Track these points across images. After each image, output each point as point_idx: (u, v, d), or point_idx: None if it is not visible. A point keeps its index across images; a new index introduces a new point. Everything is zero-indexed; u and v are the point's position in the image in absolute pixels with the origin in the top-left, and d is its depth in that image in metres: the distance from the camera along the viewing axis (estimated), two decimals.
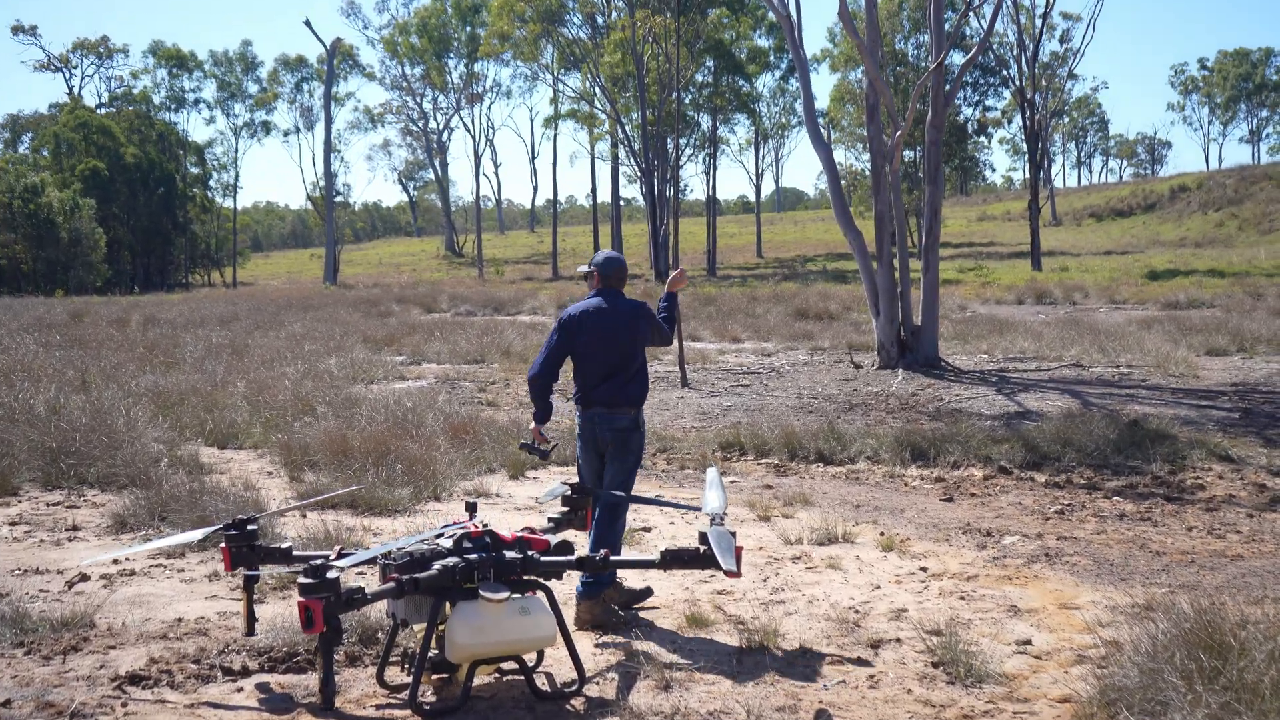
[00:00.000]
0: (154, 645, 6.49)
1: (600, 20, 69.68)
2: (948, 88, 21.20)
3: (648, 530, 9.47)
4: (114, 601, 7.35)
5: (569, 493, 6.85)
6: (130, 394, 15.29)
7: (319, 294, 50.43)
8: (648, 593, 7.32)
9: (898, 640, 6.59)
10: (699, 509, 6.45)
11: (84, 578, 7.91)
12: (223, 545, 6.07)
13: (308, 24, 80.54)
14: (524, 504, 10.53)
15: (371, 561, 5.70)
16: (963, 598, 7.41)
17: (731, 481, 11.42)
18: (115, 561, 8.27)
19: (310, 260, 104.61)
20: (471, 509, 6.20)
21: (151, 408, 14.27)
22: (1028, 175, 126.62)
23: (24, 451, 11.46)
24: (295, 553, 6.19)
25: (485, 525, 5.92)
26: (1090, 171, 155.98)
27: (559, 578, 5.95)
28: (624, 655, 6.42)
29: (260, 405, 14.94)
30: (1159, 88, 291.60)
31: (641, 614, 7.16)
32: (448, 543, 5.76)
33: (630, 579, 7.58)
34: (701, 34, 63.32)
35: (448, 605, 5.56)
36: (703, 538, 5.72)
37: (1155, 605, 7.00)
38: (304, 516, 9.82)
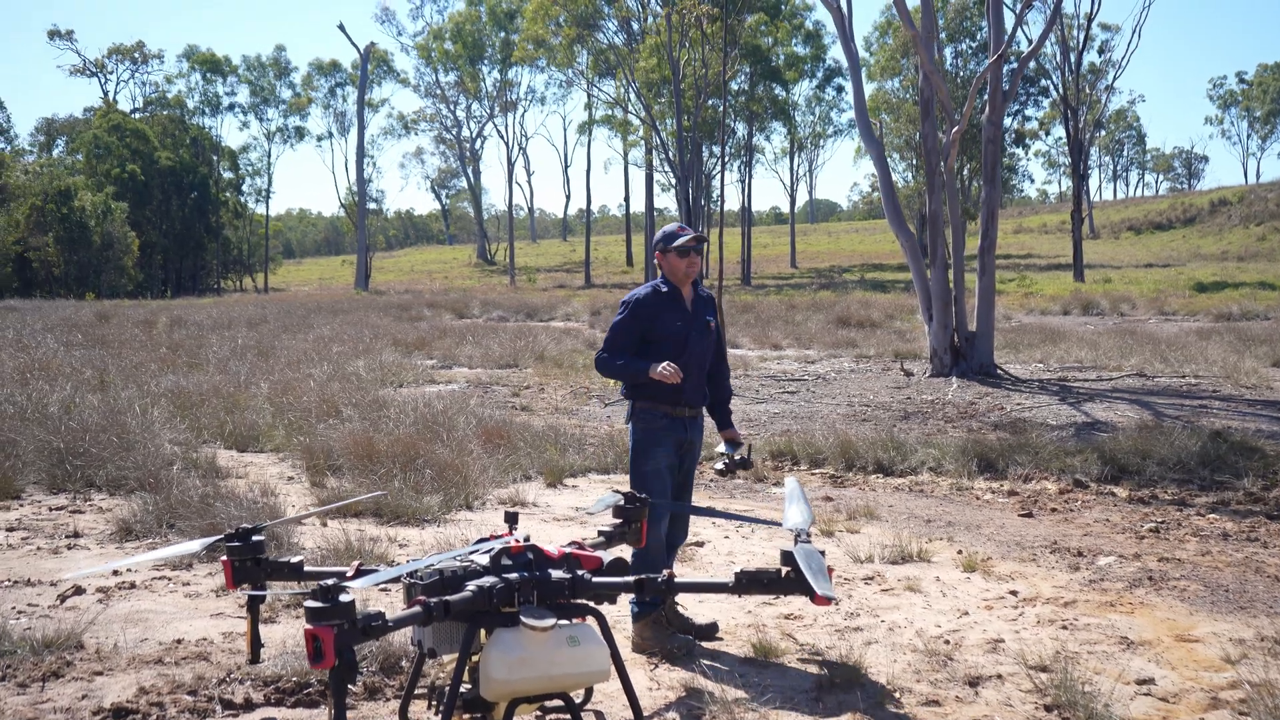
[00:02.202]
0: (146, 671, 5.68)
1: (636, 26, 68.88)
2: (1006, 85, 20.24)
3: (700, 545, 8.62)
4: (108, 619, 6.54)
5: (621, 502, 5.95)
6: (148, 394, 14.58)
7: (349, 299, 49.82)
8: (713, 628, 6.48)
9: (999, 677, 5.72)
10: (778, 524, 5.56)
11: (78, 590, 7.11)
12: (224, 559, 5.21)
13: (341, 28, 79.79)
14: (563, 514, 9.70)
15: (395, 581, 4.83)
16: (1065, 627, 6.53)
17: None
18: (115, 573, 7.48)
19: (342, 267, 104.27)
20: (511, 520, 5.29)
21: (170, 408, 13.57)
22: (1063, 188, 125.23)
23: (30, 452, 10.72)
24: (307, 568, 5.32)
25: (527, 540, 5.03)
26: (1127, 185, 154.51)
27: (612, 601, 5.07)
28: (685, 691, 5.59)
29: (283, 407, 14.19)
30: (1196, 101, 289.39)
31: (702, 641, 6.33)
32: (484, 559, 4.85)
33: (690, 605, 6.73)
34: (739, 39, 62.42)
35: (483, 633, 4.65)
36: (787, 558, 4.81)
37: None
38: (324, 525, 9.03)
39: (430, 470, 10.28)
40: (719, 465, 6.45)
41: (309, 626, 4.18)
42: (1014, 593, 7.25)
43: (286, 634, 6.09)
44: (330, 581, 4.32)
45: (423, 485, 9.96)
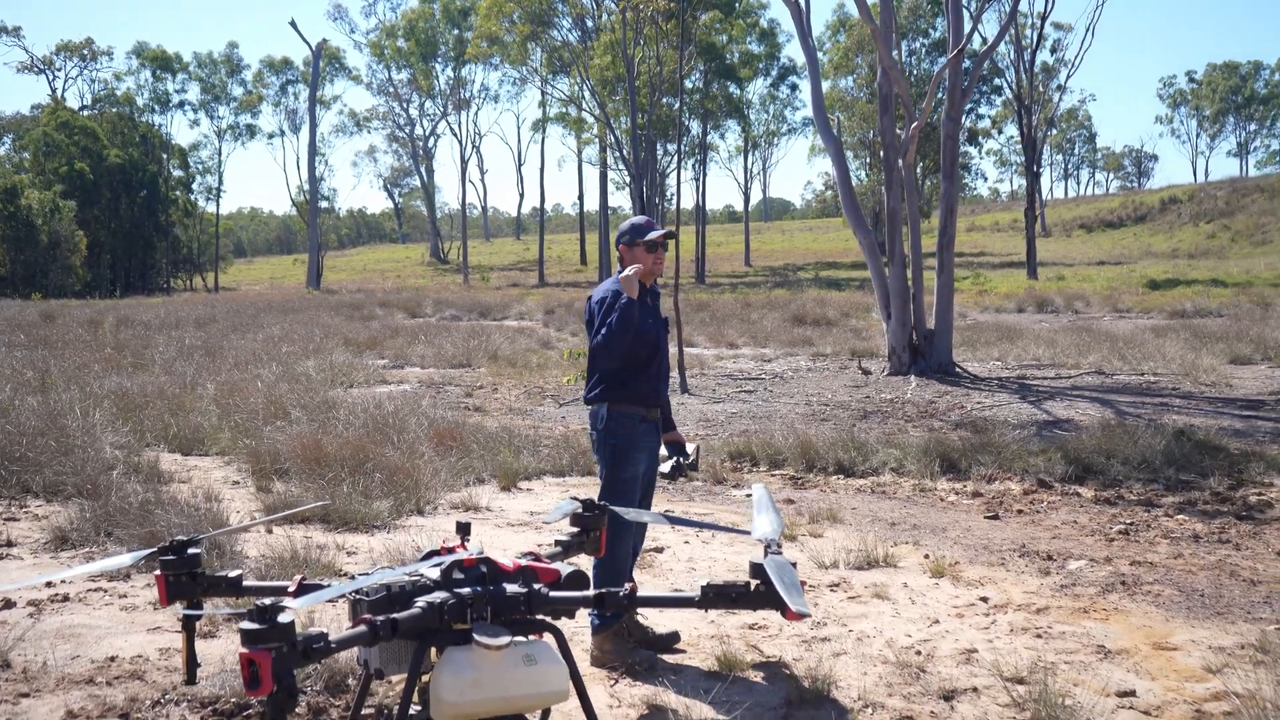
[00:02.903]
0: (76, 693, 5.36)
1: (590, 23, 68.55)
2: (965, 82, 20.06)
3: (660, 551, 8.35)
4: (38, 634, 6.20)
5: (579, 510, 5.65)
6: (91, 396, 14.16)
7: (301, 298, 49.20)
8: (674, 638, 6.22)
9: (974, 690, 5.49)
10: (746, 532, 5.29)
11: (8, 604, 6.76)
12: (157, 573, 4.89)
13: (293, 25, 78.96)
14: (518, 518, 9.41)
15: (340, 598, 4.53)
16: (1039, 635, 6.30)
17: (746, 495, 10.31)
18: (49, 585, 7.13)
19: (294, 265, 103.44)
20: (464, 530, 4.97)
21: (112, 410, 13.17)
22: (1014, 186, 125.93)
23: None
24: (247, 583, 5.00)
25: (480, 552, 4.73)
26: (1078, 184, 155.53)
27: (571, 616, 4.78)
28: (647, 708, 5.32)
29: (230, 409, 13.82)
30: (1146, 101, 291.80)
31: (663, 653, 6.07)
32: (434, 573, 4.55)
33: (651, 614, 6.45)
34: (694, 36, 62.20)
35: (433, 652, 4.36)
36: (756, 570, 4.52)
37: (1269, 645, 5.95)
38: (269, 532, 8.70)
39: (380, 474, 9.97)
40: (664, 469, 6.15)
41: (244, 650, 3.87)
42: (984, 599, 7.02)
43: (226, 650, 5.78)
44: (269, 600, 4.02)
45: (372, 490, 9.65)
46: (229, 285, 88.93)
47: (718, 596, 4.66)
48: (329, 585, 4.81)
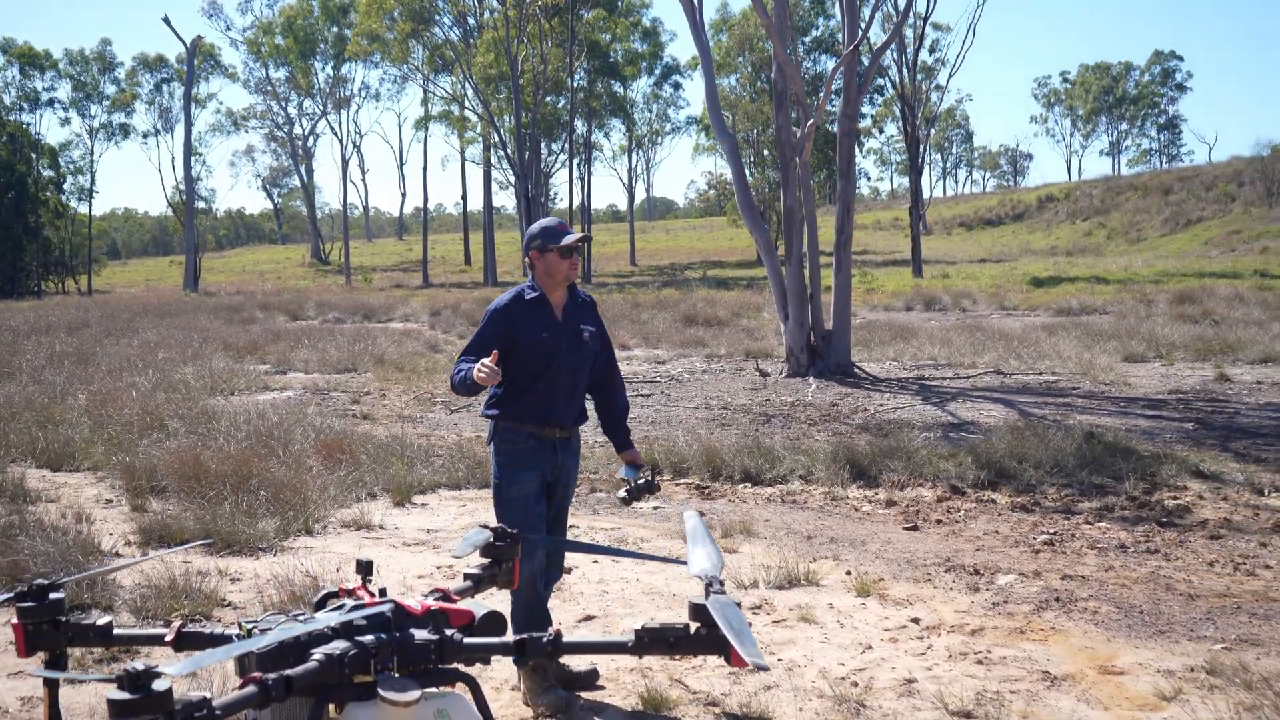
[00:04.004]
0: None
1: (472, 21, 67.75)
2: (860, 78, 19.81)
3: (568, 571, 7.85)
4: None
5: (491, 539, 5.13)
6: None
7: (178, 301, 47.86)
8: (593, 675, 5.74)
9: None
10: (680, 562, 4.80)
11: None
12: (14, 622, 4.27)
13: (166, 21, 76.58)
14: (414, 537, 8.87)
15: (226, 658, 3.96)
16: (980, 661, 5.92)
17: (655, 508, 9.85)
18: None
19: (170, 267, 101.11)
20: (365, 570, 4.41)
21: None
22: (894, 185, 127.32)
23: None
24: (118, 631, 4.41)
25: (383, 593, 4.18)
26: (956, 182, 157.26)
27: (486, 662, 4.26)
28: None
29: (103, 420, 13.07)
30: (1021, 101, 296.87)
31: (582, 692, 5.59)
32: (333, 619, 4.00)
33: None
34: (578, 34, 61.76)
35: (333, 708, 3.81)
36: (697, 611, 4.03)
37: (1219, 668, 5.63)
38: (145, 557, 8.07)
39: (265, 491, 9.37)
40: (621, 493, 5.63)
41: None
42: (916, 620, 6.64)
43: (96, 699, 5.19)
44: (139, 665, 3.45)
45: (257, 508, 9.05)
46: (103, 288, 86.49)
47: (654, 642, 4.14)
48: (211, 631, 4.23)
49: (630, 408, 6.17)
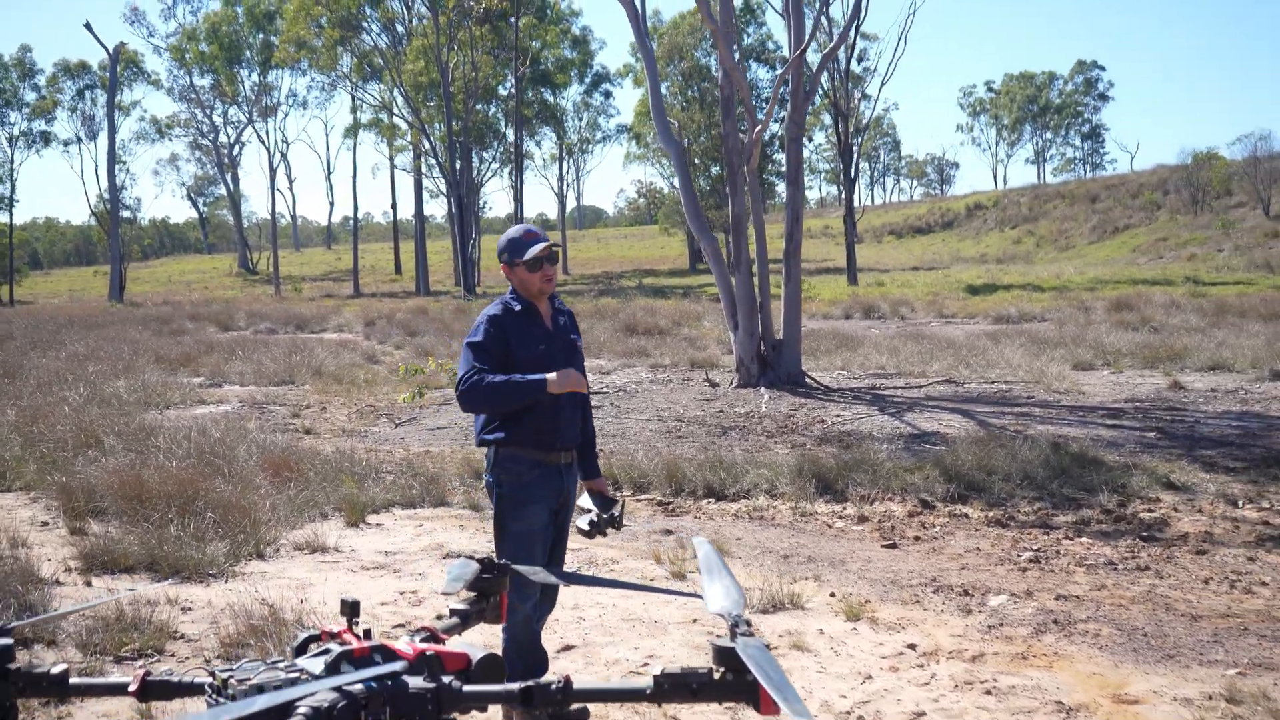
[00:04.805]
0: None
1: (401, 28, 67.04)
2: (806, 85, 19.54)
3: None
4: None
5: (479, 573, 4.73)
6: None
7: (104, 312, 46.78)
8: (583, 714, 5.38)
9: None
10: (695, 595, 4.43)
11: None
12: None
13: (88, 28, 75.09)
14: (372, 560, 8.45)
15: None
16: (988, 691, 5.62)
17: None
18: None
19: (95, 278, 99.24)
20: (351, 610, 4.02)
21: None
22: (823, 194, 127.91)
23: None
24: (74, 680, 3.98)
25: (368, 634, 3.78)
26: (884, 190, 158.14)
27: (483, 710, 3.87)
28: None
29: (34, 437, 12.50)
30: (946, 110, 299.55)
31: None
32: (316, 665, 3.59)
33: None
34: (511, 42, 61.30)
35: None
36: (723, 655, 3.68)
37: (1239, 696, 5.37)
38: (88, 585, 7.62)
39: (213, 512, 8.90)
40: (582, 524, 5.13)
41: None
42: (912, 646, 6.33)
43: None
44: None
45: (205, 530, 8.59)
46: (25, 299, 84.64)
47: (675, 688, 3.76)
48: (180, 680, 3.82)
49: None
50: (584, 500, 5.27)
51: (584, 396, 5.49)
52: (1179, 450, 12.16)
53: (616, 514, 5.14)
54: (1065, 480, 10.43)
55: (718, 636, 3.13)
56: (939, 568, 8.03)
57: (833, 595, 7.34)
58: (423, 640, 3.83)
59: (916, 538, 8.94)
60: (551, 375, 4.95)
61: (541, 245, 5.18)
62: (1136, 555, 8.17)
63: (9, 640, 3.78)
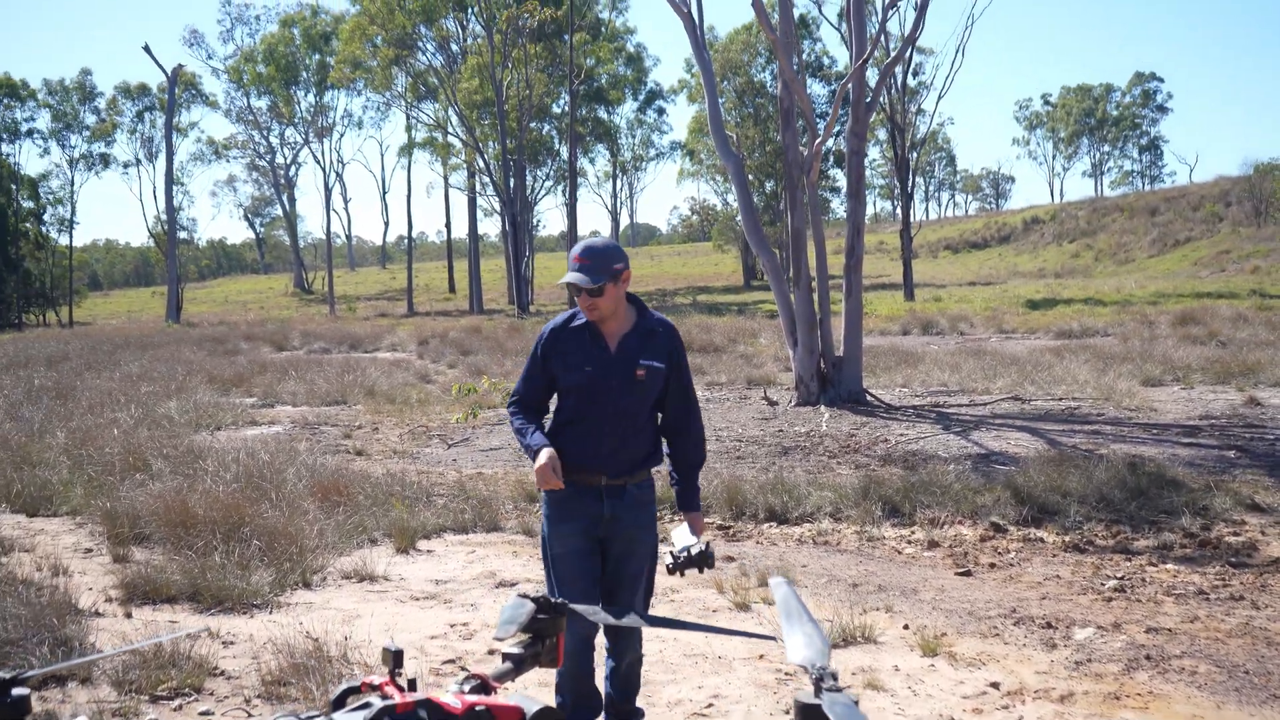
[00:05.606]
0: None
1: (455, 47, 67.11)
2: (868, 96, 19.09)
3: None
4: None
5: (535, 613, 4.36)
6: None
7: (160, 332, 46.96)
8: None
9: None
10: (771, 638, 4.02)
11: None
12: None
13: (147, 50, 75.75)
14: (422, 590, 8.12)
15: None
16: None
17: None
18: None
19: (152, 298, 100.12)
20: (395, 660, 3.68)
21: None
22: (877, 209, 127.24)
23: None
24: None
25: (412, 685, 3.44)
26: (939, 206, 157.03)
27: None
28: None
29: (83, 460, 12.29)
30: (1002, 123, 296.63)
31: None
32: None
33: None
34: (565, 59, 61.17)
35: None
36: (809, 713, 3.33)
37: None
38: (128, 617, 7.33)
39: (259, 539, 8.61)
40: (666, 561, 4.65)
41: None
42: (995, 685, 5.92)
43: None
44: None
45: (249, 558, 8.30)
46: (84, 320, 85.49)
47: None
48: None
49: (705, 461, 5.36)
50: (677, 533, 4.80)
51: (680, 421, 5.14)
52: (1261, 469, 11.66)
53: (694, 552, 4.60)
54: (1143, 502, 9.98)
55: (797, 689, 2.75)
56: (1018, 597, 7.60)
57: (906, 628, 6.94)
58: (473, 690, 3.44)
59: (991, 564, 8.52)
60: (542, 455, 4.63)
61: (573, 276, 4.76)
62: (1228, 583, 7.72)
63: (25, 690, 3.44)
